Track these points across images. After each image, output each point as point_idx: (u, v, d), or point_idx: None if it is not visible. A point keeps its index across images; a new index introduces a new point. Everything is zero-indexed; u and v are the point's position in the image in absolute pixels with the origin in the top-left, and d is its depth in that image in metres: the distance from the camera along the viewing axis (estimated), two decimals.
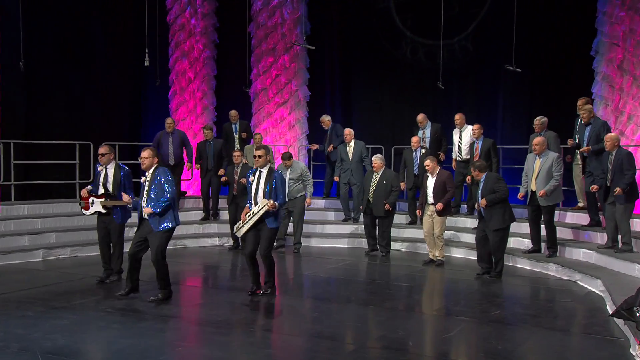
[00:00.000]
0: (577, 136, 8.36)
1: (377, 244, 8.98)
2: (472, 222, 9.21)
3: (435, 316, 6.13)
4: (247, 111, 11.97)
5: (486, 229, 7.40)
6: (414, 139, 9.47)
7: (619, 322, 5.39)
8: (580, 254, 7.87)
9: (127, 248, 6.97)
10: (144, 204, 6.06)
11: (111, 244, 7.06)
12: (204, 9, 12.12)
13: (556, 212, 8.14)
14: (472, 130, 9.24)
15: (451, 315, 6.01)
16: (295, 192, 9.14)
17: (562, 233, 8.30)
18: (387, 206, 8.62)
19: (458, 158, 9.55)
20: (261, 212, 6.24)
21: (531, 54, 10.12)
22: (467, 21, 10.76)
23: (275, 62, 11.72)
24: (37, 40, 10.63)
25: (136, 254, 6.15)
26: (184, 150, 10.37)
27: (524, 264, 8.20)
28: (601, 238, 7.91)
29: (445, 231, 8.51)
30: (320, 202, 10.86)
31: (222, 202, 10.14)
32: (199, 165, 10.24)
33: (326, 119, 10.70)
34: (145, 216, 6.04)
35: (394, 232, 9.42)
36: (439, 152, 9.68)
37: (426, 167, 8.29)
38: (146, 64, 9.55)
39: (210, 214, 10.35)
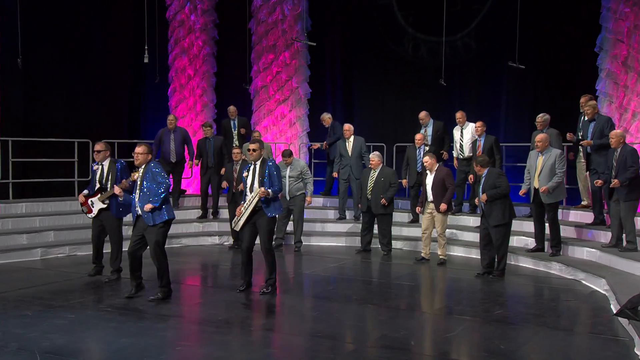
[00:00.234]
0: (580, 133, 8.30)
1: (379, 242, 8.94)
2: (474, 221, 9.15)
3: (437, 315, 6.08)
4: (248, 108, 11.91)
5: (487, 225, 7.36)
6: (418, 137, 9.43)
7: (624, 321, 5.34)
8: (584, 253, 7.81)
9: (125, 247, 6.95)
10: (137, 200, 6.01)
11: (110, 243, 7.02)
12: (204, 5, 12.05)
13: (559, 210, 8.07)
14: (475, 127, 9.18)
15: (453, 315, 5.97)
16: (295, 190, 9.09)
17: (565, 231, 8.23)
18: (383, 200, 8.57)
19: (460, 156, 9.48)
20: (254, 201, 6.19)
21: (534, 51, 10.04)
22: (470, 17, 10.70)
23: (276, 59, 11.66)
24: (36, 37, 10.56)
25: (135, 252, 6.09)
26: (186, 148, 10.33)
27: (526, 263, 8.14)
28: (605, 236, 7.85)
29: (447, 230, 8.45)
30: (320, 201, 10.81)
31: (222, 201, 10.09)
32: (197, 162, 10.19)
33: (326, 117, 10.67)
34: (139, 212, 5.98)
35: (396, 230, 9.38)
36: (442, 151, 9.63)
37: (425, 164, 8.25)
38: (145, 60, 9.49)
39: (211, 213, 10.28)
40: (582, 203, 8.82)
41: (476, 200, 7.54)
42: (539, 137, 7.79)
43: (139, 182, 6.03)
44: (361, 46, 11.67)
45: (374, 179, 8.72)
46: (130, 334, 5.07)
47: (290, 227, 9.46)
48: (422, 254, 8.38)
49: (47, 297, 6.25)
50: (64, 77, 11.21)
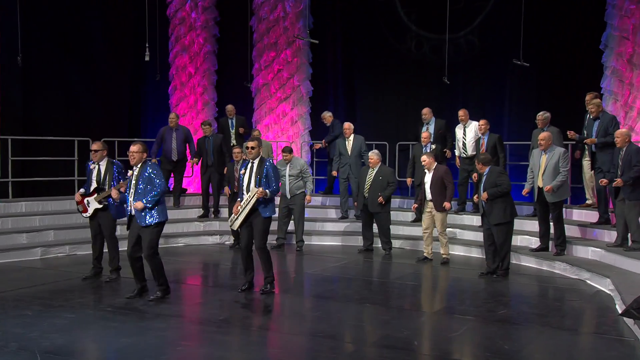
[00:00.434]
0: (585, 131, 8.23)
1: (380, 241, 8.88)
2: (477, 220, 9.08)
3: (440, 315, 6.02)
4: (249, 107, 11.86)
5: (489, 225, 7.31)
6: (424, 134, 9.40)
7: (629, 321, 5.31)
8: (589, 252, 7.74)
9: (121, 246, 6.90)
10: (131, 199, 5.95)
11: (106, 243, 6.98)
12: (205, 2, 11.99)
13: (564, 209, 8.00)
14: (478, 125, 9.11)
15: (456, 315, 5.91)
16: (295, 189, 9.05)
17: (570, 231, 8.17)
18: (380, 199, 8.51)
19: (463, 154, 9.42)
20: (252, 201, 6.14)
21: (539, 48, 9.97)
22: (473, 15, 10.63)
23: (277, 57, 11.60)
24: (35, 35, 10.52)
25: (133, 254, 6.04)
26: (187, 147, 10.28)
27: (530, 262, 8.08)
28: (609, 236, 7.78)
29: (447, 229, 8.40)
30: (320, 200, 10.76)
31: (223, 199, 10.04)
32: (197, 160, 10.14)
33: (327, 115, 10.62)
34: (134, 212, 5.91)
35: (398, 229, 9.33)
36: (445, 149, 9.57)
37: (422, 163, 8.20)
38: (146, 58, 9.43)
39: (211, 211, 10.24)
40: (587, 202, 8.75)
41: (475, 198, 7.48)
42: (542, 135, 7.72)
43: (133, 182, 5.95)
44: (363, 44, 11.61)
45: (372, 177, 8.68)
46: (130, 334, 5.04)
47: (291, 226, 9.40)
48: (425, 254, 8.34)
49: (46, 296, 6.22)
50: (64, 76, 11.16)
